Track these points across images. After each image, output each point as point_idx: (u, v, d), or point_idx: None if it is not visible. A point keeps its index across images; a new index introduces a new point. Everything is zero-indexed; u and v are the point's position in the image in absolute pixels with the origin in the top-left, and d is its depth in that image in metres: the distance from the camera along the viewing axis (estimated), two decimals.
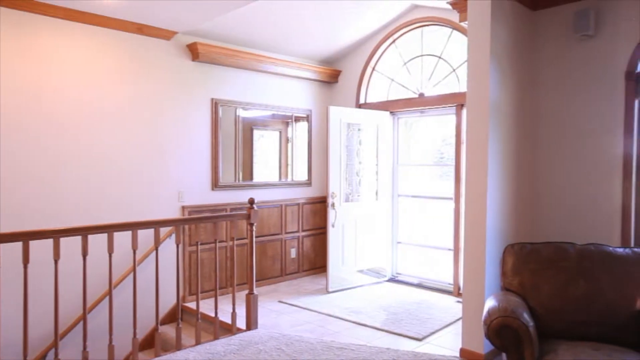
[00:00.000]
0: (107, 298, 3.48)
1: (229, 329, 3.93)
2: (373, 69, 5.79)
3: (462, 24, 4.50)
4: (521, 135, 3.77)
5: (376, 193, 5.64)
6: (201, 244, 4.73)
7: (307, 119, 6.00)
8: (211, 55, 4.91)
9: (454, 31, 4.99)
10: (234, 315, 3.88)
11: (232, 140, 5.28)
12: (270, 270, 5.60)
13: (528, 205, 3.86)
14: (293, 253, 5.84)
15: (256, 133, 5.59)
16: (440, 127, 6.06)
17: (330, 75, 6.05)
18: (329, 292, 5.17)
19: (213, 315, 3.84)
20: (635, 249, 2.95)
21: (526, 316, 2.59)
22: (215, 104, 5.09)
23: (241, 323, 4.01)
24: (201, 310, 3.82)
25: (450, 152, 5.43)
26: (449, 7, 4.40)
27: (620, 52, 3.43)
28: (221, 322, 3.97)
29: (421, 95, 5.35)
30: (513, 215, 3.69)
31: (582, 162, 3.63)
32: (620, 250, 2.96)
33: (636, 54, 3.36)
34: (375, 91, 5.84)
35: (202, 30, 4.79)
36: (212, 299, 4.12)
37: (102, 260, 3.37)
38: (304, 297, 5.03)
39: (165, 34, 4.64)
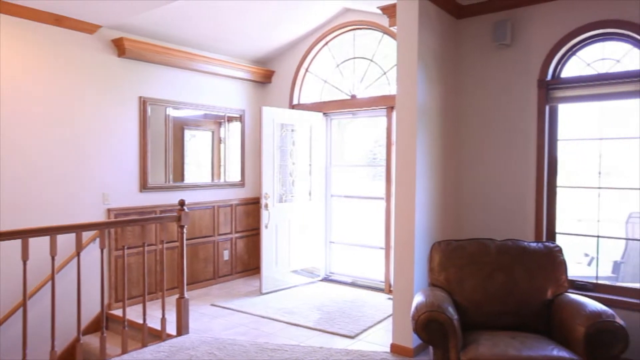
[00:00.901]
0: (22, 309, 3.23)
1: (159, 336, 3.78)
2: (306, 70, 5.82)
3: (392, 28, 4.64)
4: (446, 138, 3.96)
5: (310, 193, 5.68)
6: (128, 248, 4.52)
7: (240, 119, 5.92)
8: (139, 52, 4.71)
9: (385, 35, 5.14)
10: (163, 320, 3.74)
11: (162, 140, 5.09)
12: (202, 273, 5.47)
13: (453, 204, 4.06)
14: (226, 255, 5.74)
15: (187, 133, 5.43)
16: (372, 128, 6.22)
17: (264, 75, 6.01)
18: (262, 294, 5.14)
19: (141, 322, 3.68)
20: (547, 243, 3.20)
21: (451, 310, 2.72)
22: (143, 103, 4.88)
23: (172, 329, 3.88)
24: (129, 317, 3.66)
25: (382, 153, 5.58)
26: (380, 12, 4.53)
27: (533, 61, 3.70)
28: (150, 328, 3.81)
29: (353, 97, 5.46)
30: (440, 213, 3.87)
31: (501, 163, 3.88)
32: (534, 244, 3.19)
33: (547, 64, 3.64)
34: (309, 92, 5.88)
35: (129, 25, 4.57)
36: (141, 305, 3.95)
37: (17, 268, 3.12)
38: (237, 300, 4.95)
39: (87, 28, 4.38)
